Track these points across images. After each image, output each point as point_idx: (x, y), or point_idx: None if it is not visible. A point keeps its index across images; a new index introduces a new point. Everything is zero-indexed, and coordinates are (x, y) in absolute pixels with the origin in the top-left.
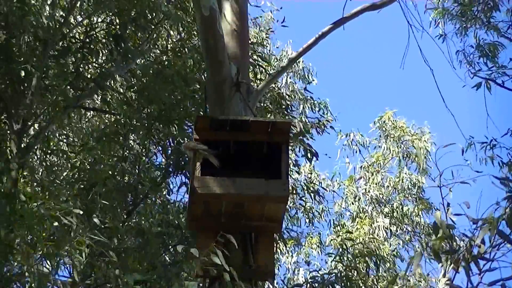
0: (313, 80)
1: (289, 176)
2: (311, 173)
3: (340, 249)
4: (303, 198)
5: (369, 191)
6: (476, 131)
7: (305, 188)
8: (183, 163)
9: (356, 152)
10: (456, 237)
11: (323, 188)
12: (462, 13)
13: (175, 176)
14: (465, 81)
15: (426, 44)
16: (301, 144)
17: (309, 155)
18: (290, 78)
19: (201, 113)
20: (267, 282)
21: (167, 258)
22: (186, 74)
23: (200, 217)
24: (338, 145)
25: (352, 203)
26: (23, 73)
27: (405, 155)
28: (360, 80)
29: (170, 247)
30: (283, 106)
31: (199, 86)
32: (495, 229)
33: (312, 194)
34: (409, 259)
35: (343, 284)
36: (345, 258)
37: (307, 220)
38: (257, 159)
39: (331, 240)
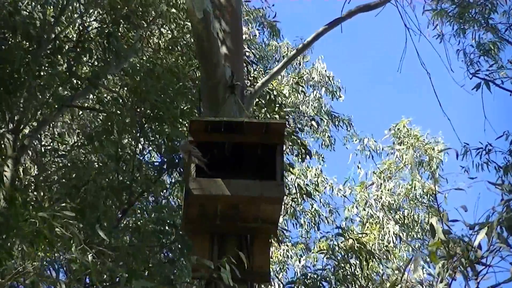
0: (340, 96)
1: (284, 177)
2: (318, 177)
3: (331, 246)
4: (294, 199)
5: (381, 198)
6: (475, 133)
7: (298, 189)
8: (177, 161)
9: (369, 157)
10: (456, 237)
11: (314, 193)
12: (460, 15)
13: (169, 174)
14: (464, 82)
15: (427, 46)
16: (293, 144)
17: (301, 155)
18: (317, 91)
19: (195, 112)
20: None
21: (163, 256)
22: (178, 71)
23: (195, 219)
24: (350, 149)
25: (364, 209)
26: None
27: (417, 163)
28: (379, 86)
29: (165, 245)
30: (277, 105)
31: (192, 84)
32: (492, 233)
33: (304, 196)
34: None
35: (336, 279)
36: (338, 254)
37: (314, 225)
38: (252, 160)
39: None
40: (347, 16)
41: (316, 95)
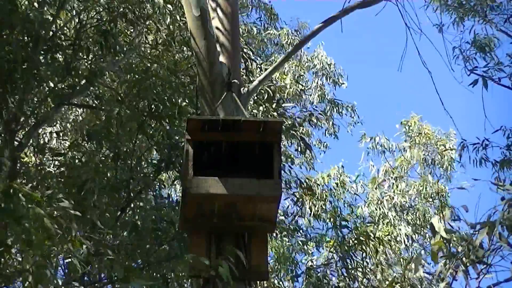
0: (343, 83)
1: (281, 176)
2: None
3: (337, 238)
4: (295, 194)
5: (393, 198)
6: (476, 130)
7: (299, 183)
8: (174, 159)
9: (382, 153)
10: (460, 235)
11: (315, 184)
12: (460, 5)
13: (168, 172)
14: (462, 78)
15: (427, 40)
16: (292, 139)
17: (300, 149)
18: (320, 79)
19: (193, 110)
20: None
21: (162, 254)
22: (175, 67)
23: (192, 217)
24: (362, 147)
25: (376, 209)
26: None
27: (429, 162)
28: (387, 83)
29: (164, 243)
30: (274, 101)
31: (190, 80)
32: (493, 232)
33: (305, 190)
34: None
35: (340, 272)
36: (342, 247)
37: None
38: (249, 159)
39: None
40: (344, 13)
41: (317, 83)
